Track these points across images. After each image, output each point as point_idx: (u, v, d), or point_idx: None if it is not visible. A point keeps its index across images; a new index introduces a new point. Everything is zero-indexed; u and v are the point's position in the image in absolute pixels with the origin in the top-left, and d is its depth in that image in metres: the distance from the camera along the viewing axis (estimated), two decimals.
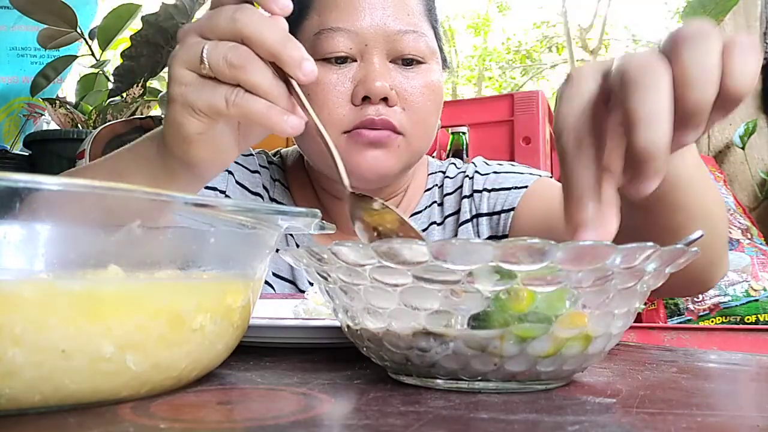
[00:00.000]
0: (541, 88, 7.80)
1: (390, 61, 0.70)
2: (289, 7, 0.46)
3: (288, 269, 0.78)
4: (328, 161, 0.47)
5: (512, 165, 0.84)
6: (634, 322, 0.53)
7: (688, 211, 0.51)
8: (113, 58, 2.50)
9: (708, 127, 0.33)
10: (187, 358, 0.30)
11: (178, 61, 0.46)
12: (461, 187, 0.82)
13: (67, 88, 2.63)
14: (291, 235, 0.78)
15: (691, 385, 0.33)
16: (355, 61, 0.69)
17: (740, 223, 1.69)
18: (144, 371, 0.28)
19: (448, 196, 0.82)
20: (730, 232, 1.63)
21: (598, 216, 0.33)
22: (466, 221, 0.80)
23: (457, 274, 0.27)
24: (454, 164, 0.87)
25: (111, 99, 2.12)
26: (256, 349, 0.44)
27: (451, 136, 1.52)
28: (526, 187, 0.78)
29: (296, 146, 0.85)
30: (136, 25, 2.12)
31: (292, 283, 0.78)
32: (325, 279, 0.32)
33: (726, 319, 1.52)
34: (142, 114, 2.07)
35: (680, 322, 1.53)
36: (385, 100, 0.67)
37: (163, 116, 0.50)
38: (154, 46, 1.98)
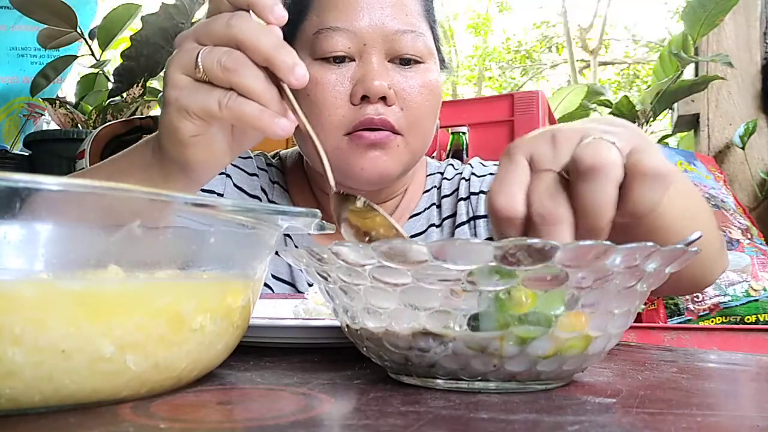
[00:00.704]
0: (541, 88, 7.80)
1: (388, 61, 0.70)
2: (285, 17, 0.47)
3: (287, 271, 0.78)
4: (333, 167, 0.48)
5: None
6: (634, 322, 0.53)
7: (670, 230, 0.51)
8: (113, 58, 2.50)
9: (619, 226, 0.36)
10: (187, 358, 0.30)
11: (174, 66, 0.47)
12: (458, 189, 0.82)
13: (67, 88, 2.63)
14: (290, 237, 0.78)
15: (691, 385, 0.33)
16: (354, 60, 0.69)
17: (740, 223, 1.69)
18: (144, 371, 0.28)
19: (445, 198, 0.82)
20: (730, 232, 1.63)
21: None
22: (463, 223, 0.80)
23: (457, 274, 0.27)
24: (452, 165, 0.87)
25: (111, 99, 2.12)
26: (256, 349, 0.44)
27: (451, 136, 1.52)
28: None
29: (296, 148, 0.85)
30: (136, 25, 2.12)
31: (292, 285, 0.78)
32: (325, 279, 0.32)
33: (726, 319, 1.52)
34: (142, 114, 2.07)
35: (680, 322, 1.53)
36: (383, 99, 0.68)
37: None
38: (154, 46, 1.98)
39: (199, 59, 0.46)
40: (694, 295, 1.52)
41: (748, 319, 1.51)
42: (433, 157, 1.10)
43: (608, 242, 0.27)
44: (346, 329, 0.34)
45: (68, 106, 2.10)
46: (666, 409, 0.27)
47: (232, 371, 0.36)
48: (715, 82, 2.05)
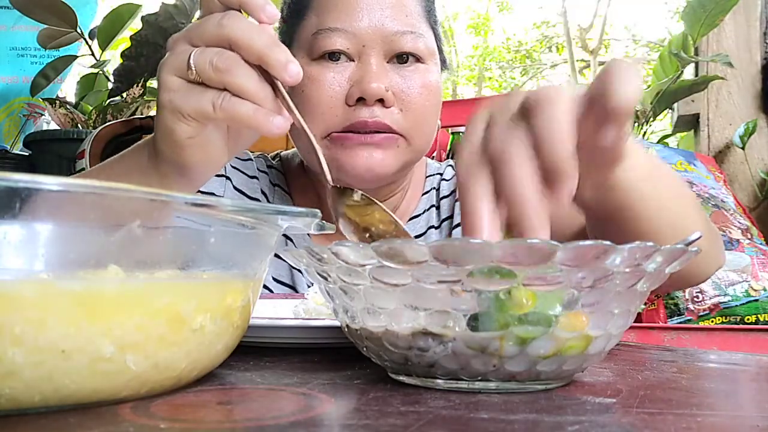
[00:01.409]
0: None
1: (387, 62, 0.69)
2: (276, 16, 0.47)
3: (288, 274, 0.78)
4: (316, 157, 0.49)
5: None
6: (634, 322, 0.53)
7: (654, 214, 0.51)
8: (113, 58, 2.50)
9: (608, 150, 0.37)
10: (187, 358, 0.30)
11: (166, 68, 0.47)
12: (455, 190, 0.82)
13: (67, 88, 2.63)
14: (290, 239, 0.77)
15: (691, 385, 0.33)
16: (353, 61, 0.69)
17: (740, 223, 1.69)
18: (144, 371, 0.28)
19: (444, 200, 0.82)
20: (730, 232, 1.63)
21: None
22: (459, 225, 0.79)
23: (457, 274, 0.27)
24: (451, 166, 0.86)
25: (111, 99, 2.12)
26: (256, 349, 0.44)
27: (451, 136, 1.52)
28: None
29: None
30: (136, 25, 2.12)
31: (292, 287, 0.78)
32: (325, 279, 0.32)
33: (726, 319, 1.52)
34: (142, 114, 2.07)
35: (680, 322, 1.53)
36: (381, 101, 0.67)
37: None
38: (154, 46, 1.97)
39: (191, 60, 0.46)
40: (694, 295, 1.52)
41: (748, 319, 1.51)
42: (432, 158, 1.10)
43: (608, 242, 0.27)
44: (346, 329, 0.34)
45: (68, 106, 2.10)
46: (666, 409, 0.27)
47: (232, 371, 0.36)
48: (715, 82, 2.05)
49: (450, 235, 0.80)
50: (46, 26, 2.04)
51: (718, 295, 1.53)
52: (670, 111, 2.30)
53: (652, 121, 2.14)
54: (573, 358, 0.30)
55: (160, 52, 2.02)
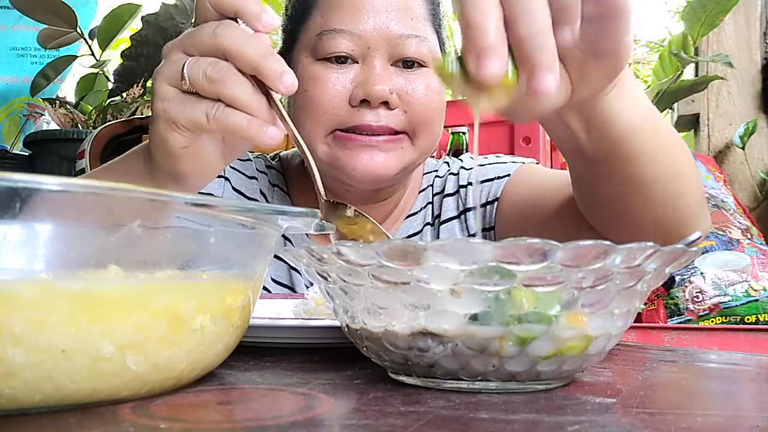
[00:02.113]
0: None
1: (392, 64, 0.69)
2: (273, 25, 0.47)
3: (286, 274, 0.78)
4: (317, 157, 0.49)
5: (497, 156, 0.83)
6: (634, 322, 0.53)
7: (646, 159, 0.50)
8: (113, 58, 2.50)
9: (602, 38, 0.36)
10: (187, 358, 0.30)
11: (160, 77, 0.47)
12: (445, 185, 0.82)
13: (67, 88, 2.63)
14: (289, 240, 0.77)
15: (691, 385, 0.33)
16: (357, 63, 0.68)
17: (740, 223, 1.69)
18: (144, 371, 0.28)
19: (437, 196, 0.82)
20: (730, 232, 1.63)
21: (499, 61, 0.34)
22: (449, 219, 0.79)
23: (457, 274, 0.27)
24: (447, 163, 0.86)
25: (111, 99, 2.12)
26: (256, 349, 0.44)
27: (451, 136, 1.52)
28: (508, 175, 0.77)
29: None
30: (136, 25, 2.12)
31: (291, 288, 0.78)
32: (325, 279, 0.32)
33: (726, 319, 1.52)
34: (142, 114, 2.07)
35: (680, 322, 1.53)
36: (385, 104, 0.67)
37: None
38: (154, 46, 1.97)
39: (185, 70, 0.45)
40: (694, 295, 1.52)
41: (748, 319, 1.51)
42: (432, 157, 1.10)
43: (608, 242, 0.27)
44: (346, 329, 0.34)
45: (68, 106, 2.10)
46: (666, 409, 0.27)
47: (232, 371, 0.36)
48: (715, 82, 2.05)
49: (438, 231, 0.80)
50: (46, 26, 2.04)
51: (718, 295, 1.53)
52: (670, 111, 2.30)
53: None
54: (573, 358, 0.30)
55: (160, 52, 2.02)
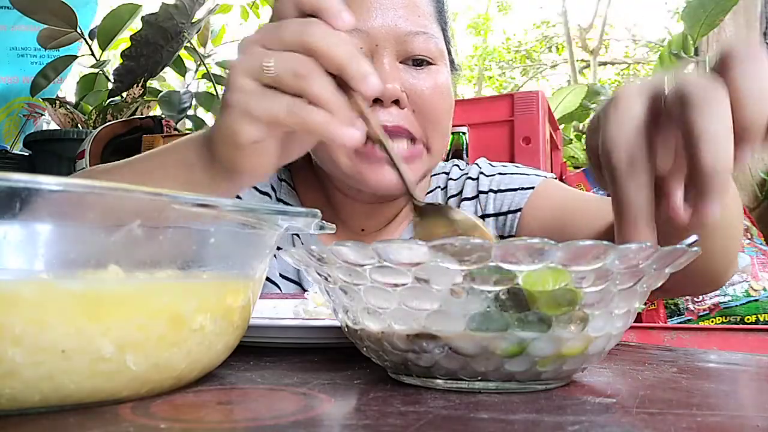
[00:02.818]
0: (541, 88, 7.81)
1: (399, 62, 0.69)
2: (352, 23, 0.46)
3: (294, 270, 0.78)
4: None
5: (516, 167, 0.84)
6: (634, 322, 0.53)
7: (718, 232, 0.52)
8: (113, 58, 2.50)
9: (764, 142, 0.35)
10: (187, 358, 0.30)
11: (238, 69, 0.46)
12: (462, 189, 0.82)
13: (67, 88, 2.63)
14: (298, 236, 0.78)
15: (691, 385, 0.33)
16: None
17: None
18: (144, 371, 0.28)
19: (451, 199, 0.83)
20: None
21: (652, 236, 0.35)
22: None
23: (457, 274, 0.27)
24: (457, 166, 0.87)
25: (111, 99, 2.12)
26: (256, 349, 0.44)
27: (450, 136, 1.52)
28: (532, 188, 0.78)
29: None
30: (136, 25, 2.12)
31: (298, 284, 0.78)
32: (325, 279, 0.32)
33: (726, 319, 1.52)
34: (142, 114, 2.07)
35: (680, 322, 1.53)
36: (396, 102, 0.67)
37: (209, 124, 0.49)
38: (154, 46, 1.98)
39: (268, 63, 0.44)
40: None
41: (748, 319, 1.51)
42: None
43: (607, 242, 0.27)
44: (346, 329, 0.34)
45: (68, 106, 2.10)
46: (666, 409, 0.27)
47: (232, 371, 0.36)
48: None
49: None
50: (46, 26, 2.04)
51: (718, 295, 1.53)
52: None
53: None
54: (573, 358, 0.30)
55: (160, 52, 2.02)
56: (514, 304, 0.28)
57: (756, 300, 1.52)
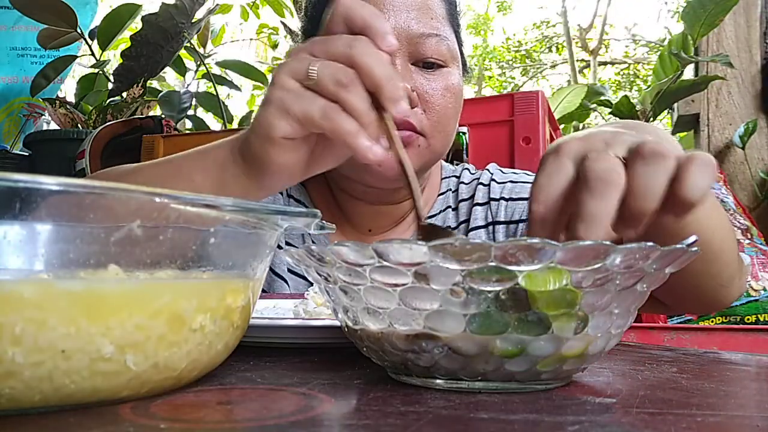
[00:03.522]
0: (541, 88, 7.81)
1: (411, 64, 0.70)
2: (395, 46, 0.49)
3: None
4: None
5: (527, 174, 0.85)
6: (634, 322, 0.53)
7: (719, 247, 0.54)
8: (113, 58, 2.50)
9: (659, 228, 0.37)
10: (187, 358, 0.30)
11: (284, 70, 0.49)
12: (474, 194, 0.83)
13: (67, 88, 2.63)
14: (309, 234, 0.78)
15: (691, 385, 0.33)
16: None
17: (740, 223, 1.69)
18: (144, 371, 0.28)
19: (463, 203, 0.83)
20: None
21: None
22: (478, 228, 0.80)
23: (457, 274, 0.27)
24: (468, 170, 0.87)
25: (111, 99, 2.12)
26: (256, 349, 0.44)
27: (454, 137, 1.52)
28: None
29: None
30: (136, 25, 2.12)
31: (307, 279, 0.78)
32: (326, 279, 0.32)
33: (726, 319, 1.52)
34: (142, 114, 2.07)
35: (680, 322, 1.53)
36: None
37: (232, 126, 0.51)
38: (154, 46, 1.98)
39: (314, 68, 0.47)
40: None
41: (748, 319, 1.51)
42: None
43: (607, 242, 0.27)
44: (346, 329, 0.34)
45: (68, 106, 2.10)
46: (666, 409, 0.27)
47: (232, 371, 0.36)
48: (715, 82, 2.05)
49: (466, 236, 0.80)
50: (46, 26, 2.04)
51: None
52: (670, 111, 2.30)
53: (652, 120, 2.14)
54: (573, 358, 0.30)
55: (160, 52, 2.02)
56: (514, 304, 0.28)
57: (756, 300, 1.52)
